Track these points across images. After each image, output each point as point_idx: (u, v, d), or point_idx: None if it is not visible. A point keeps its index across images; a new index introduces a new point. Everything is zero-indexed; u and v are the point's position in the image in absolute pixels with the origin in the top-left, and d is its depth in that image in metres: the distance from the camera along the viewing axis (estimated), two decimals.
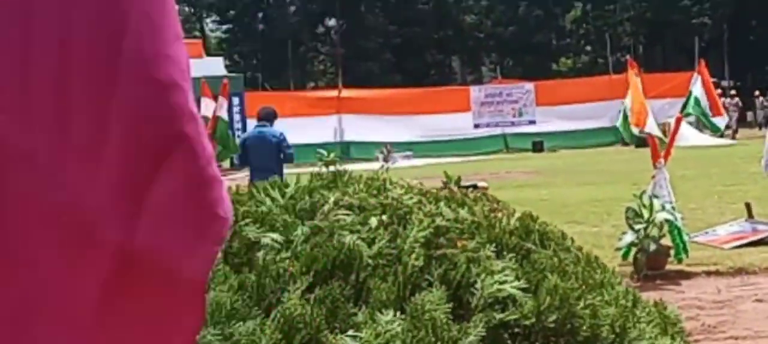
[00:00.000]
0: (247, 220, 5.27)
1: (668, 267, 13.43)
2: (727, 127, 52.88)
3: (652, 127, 14.74)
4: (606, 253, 14.19)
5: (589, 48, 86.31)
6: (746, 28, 79.32)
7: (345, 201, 5.43)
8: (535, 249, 5.15)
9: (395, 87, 62.19)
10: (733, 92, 55.55)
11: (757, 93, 65.72)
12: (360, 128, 50.35)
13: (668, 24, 79.36)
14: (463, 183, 7.28)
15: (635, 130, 14.79)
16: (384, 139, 43.99)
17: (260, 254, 5.00)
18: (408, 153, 44.64)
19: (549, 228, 5.56)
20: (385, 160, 31.88)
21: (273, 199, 5.66)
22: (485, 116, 54.66)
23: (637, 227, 13.11)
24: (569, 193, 24.70)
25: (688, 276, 13.17)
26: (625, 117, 15.05)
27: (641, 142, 16.11)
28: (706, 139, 40.43)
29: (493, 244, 5.04)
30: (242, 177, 16.48)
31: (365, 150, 44.14)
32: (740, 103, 60.01)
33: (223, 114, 17.60)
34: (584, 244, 14.24)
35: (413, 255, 4.77)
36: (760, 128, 58.30)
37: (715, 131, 17.37)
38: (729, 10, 74.18)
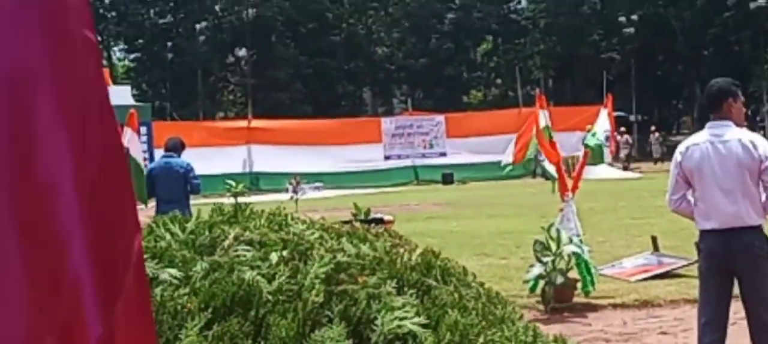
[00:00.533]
0: (146, 256, 5.16)
1: (575, 299, 13.48)
2: (618, 160, 53.81)
3: (547, 167, 14.95)
4: (514, 285, 14.25)
5: (499, 81, 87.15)
6: (653, 63, 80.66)
7: (246, 237, 5.35)
8: (436, 285, 5.11)
9: (306, 118, 62.20)
10: (622, 129, 56.62)
11: (653, 128, 67.11)
12: (270, 159, 50.17)
13: (577, 58, 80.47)
14: (372, 215, 7.25)
15: (507, 164, 15.06)
16: (294, 170, 43.96)
17: (158, 290, 4.89)
18: (318, 184, 44.57)
19: (450, 264, 5.53)
20: (295, 191, 31.83)
21: (173, 234, 5.57)
22: (396, 148, 54.79)
23: (545, 259, 13.16)
24: (479, 225, 24.80)
25: (594, 308, 13.24)
26: (534, 156, 15.24)
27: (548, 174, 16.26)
28: (613, 172, 40.91)
29: (395, 280, 4.99)
30: (150, 209, 16.32)
31: (275, 181, 44.01)
32: (630, 140, 61.57)
33: (133, 148, 17.25)
34: (493, 276, 14.35)
35: (313, 291, 4.70)
36: (655, 162, 59.44)
37: (598, 157, 17.60)
38: (637, 45, 75.33)
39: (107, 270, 1.94)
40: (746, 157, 7.90)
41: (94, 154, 1.93)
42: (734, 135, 8.02)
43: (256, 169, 50.72)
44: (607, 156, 16.95)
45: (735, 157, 7.93)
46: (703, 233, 8.20)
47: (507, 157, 16.25)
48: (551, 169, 15.24)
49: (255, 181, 46.18)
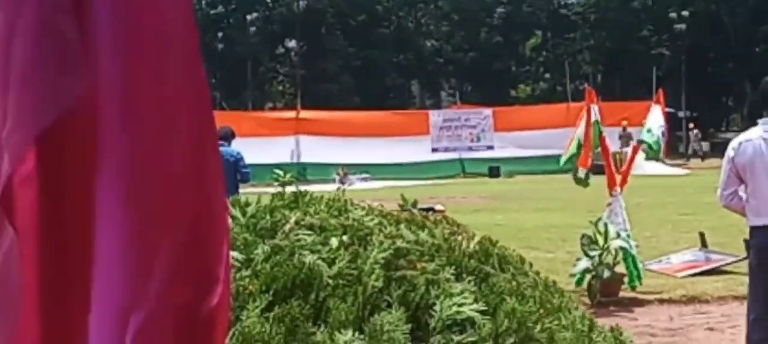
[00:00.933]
0: None
1: (622, 294, 13.51)
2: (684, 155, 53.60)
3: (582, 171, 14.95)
4: (560, 279, 14.21)
5: (548, 75, 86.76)
6: (704, 60, 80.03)
7: (306, 221, 5.45)
8: (493, 272, 5.19)
9: (354, 109, 62.23)
10: (691, 125, 56.50)
11: (691, 125, 66.62)
12: (317, 149, 50.22)
13: (627, 54, 79.97)
14: (420, 206, 7.32)
15: (581, 172, 14.96)
16: (341, 161, 44.05)
17: None
18: (365, 175, 44.60)
19: (508, 253, 5.61)
20: (342, 181, 31.96)
21: (234, 218, 5.67)
22: (443, 140, 54.72)
23: (591, 253, 13.18)
24: (525, 219, 24.81)
25: (641, 303, 13.26)
26: (576, 151, 15.21)
27: (599, 169, 16.19)
28: (662, 168, 40.72)
29: (453, 267, 5.08)
30: None
31: (322, 171, 44.07)
32: (699, 135, 61.01)
33: None
34: (539, 270, 14.37)
35: (373, 276, 4.80)
36: (688, 159, 59.06)
37: (655, 152, 17.44)
38: (687, 42, 74.86)
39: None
40: None
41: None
42: None
43: (304, 159, 50.78)
44: (662, 152, 16.82)
45: None
46: (754, 229, 8.18)
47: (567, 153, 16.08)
48: (582, 172, 15.17)
49: (303, 171, 46.23)
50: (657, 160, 19.15)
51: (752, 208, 8.09)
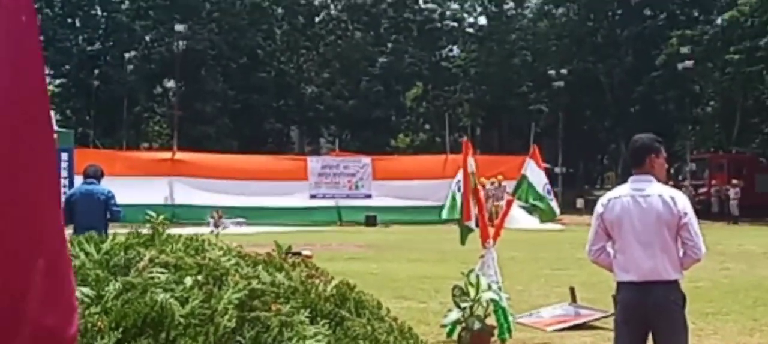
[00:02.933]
0: None
1: None
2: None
3: (472, 222, 15.02)
4: (432, 329, 14.23)
5: (427, 126, 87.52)
6: (581, 118, 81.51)
7: (161, 259, 5.29)
8: (349, 316, 5.09)
9: (232, 153, 61.92)
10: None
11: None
12: (192, 192, 49.82)
13: (506, 108, 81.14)
14: (267, 251, 7.22)
15: (471, 224, 15.05)
16: (217, 204, 43.70)
17: None
18: (240, 219, 44.34)
19: (365, 298, 5.51)
20: (216, 225, 31.56)
21: (87, 254, 5.50)
22: (322, 187, 54.66)
23: (463, 305, 13.16)
24: (399, 268, 24.79)
25: None
26: (452, 202, 15.30)
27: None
28: (535, 222, 41.09)
29: (308, 310, 4.97)
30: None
31: (197, 214, 43.72)
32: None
33: None
34: (411, 320, 14.26)
35: (226, 317, 4.66)
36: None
37: (550, 215, 17.57)
38: (565, 99, 76.08)
39: None
40: (666, 212, 7.96)
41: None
42: (655, 190, 8.08)
43: (178, 201, 50.21)
44: (556, 209, 16.93)
45: (655, 211, 7.99)
46: (621, 285, 8.24)
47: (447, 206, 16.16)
48: (471, 224, 15.24)
49: (176, 214, 45.78)
50: (552, 220, 19.21)
51: (619, 264, 8.16)
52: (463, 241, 15.40)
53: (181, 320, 4.71)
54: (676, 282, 8.09)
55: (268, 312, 4.77)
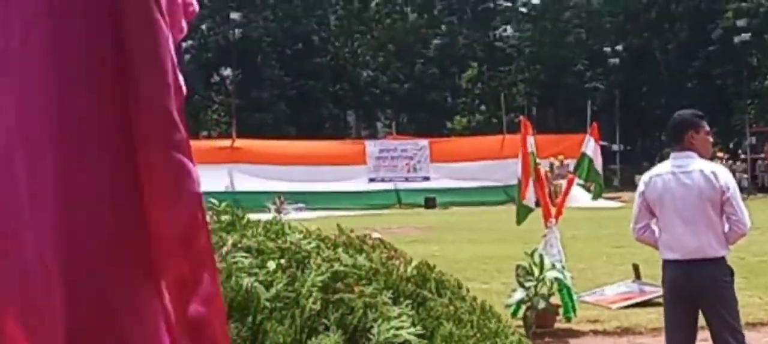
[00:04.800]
0: None
1: (557, 325, 13.54)
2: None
3: (529, 200, 15.01)
4: (495, 310, 14.30)
5: (483, 107, 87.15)
6: (637, 94, 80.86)
7: (243, 244, 5.42)
8: (431, 296, 5.19)
9: (290, 139, 62.11)
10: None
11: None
12: (252, 179, 50.02)
13: (561, 87, 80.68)
14: (347, 233, 7.31)
15: (529, 203, 15.05)
16: (276, 190, 43.88)
17: None
18: (300, 205, 44.41)
19: (445, 278, 5.61)
20: (278, 211, 31.78)
21: None
22: (380, 171, 54.72)
23: (527, 284, 13.20)
24: (460, 250, 24.82)
25: (576, 334, 13.30)
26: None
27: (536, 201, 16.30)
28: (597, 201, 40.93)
29: (390, 291, 5.07)
30: None
31: (257, 200, 43.86)
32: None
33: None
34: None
35: (311, 299, 4.78)
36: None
37: (600, 192, 17.61)
38: (621, 76, 75.54)
39: None
40: (708, 188, 7.91)
41: None
42: (696, 166, 8.02)
43: (238, 188, 50.42)
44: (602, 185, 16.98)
45: (697, 188, 7.94)
46: (666, 263, 8.23)
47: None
48: (529, 202, 15.26)
49: (237, 200, 45.98)
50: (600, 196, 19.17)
51: (663, 242, 8.15)
52: (519, 221, 15.43)
53: (267, 304, 4.84)
54: (722, 259, 8.03)
55: (351, 294, 4.88)
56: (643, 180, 8.34)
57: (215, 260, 2.86)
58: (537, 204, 15.55)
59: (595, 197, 18.35)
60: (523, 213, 15.37)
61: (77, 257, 2.47)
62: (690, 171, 7.99)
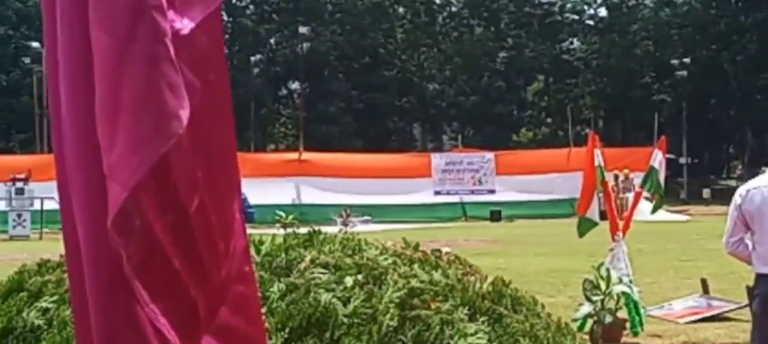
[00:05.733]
0: None
1: (624, 339, 13.52)
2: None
3: (593, 214, 15.01)
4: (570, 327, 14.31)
5: (549, 120, 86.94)
6: (705, 107, 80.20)
7: (321, 260, 5.53)
8: (507, 313, 5.26)
9: (356, 151, 62.31)
10: None
11: None
12: (319, 191, 50.27)
13: (628, 100, 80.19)
14: (423, 249, 7.39)
15: (593, 217, 15.06)
16: (342, 203, 44.02)
17: None
18: (366, 218, 44.55)
19: (520, 294, 5.68)
20: (344, 224, 31.89)
21: None
22: (446, 183, 54.79)
23: (594, 298, 13.18)
24: (526, 263, 24.79)
25: None
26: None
27: (602, 215, 16.33)
28: (663, 214, 40.74)
29: (466, 307, 5.15)
30: None
31: (323, 213, 44.11)
32: None
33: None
34: None
35: (388, 316, 4.87)
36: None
37: (660, 205, 17.60)
38: (689, 88, 75.03)
39: None
40: None
41: None
42: None
43: (305, 200, 50.68)
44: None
45: None
46: (760, 277, 8.12)
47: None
48: (593, 215, 15.29)
49: (304, 213, 46.27)
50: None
51: (759, 256, 8.05)
52: (581, 234, 15.42)
53: (344, 320, 4.94)
54: None
55: (428, 311, 4.98)
56: (739, 193, 8.21)
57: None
58: (602, 217, 15.56)
59: (654, 210, 18.27)
60: (585, 226, 15.38)
61: None
62: None
